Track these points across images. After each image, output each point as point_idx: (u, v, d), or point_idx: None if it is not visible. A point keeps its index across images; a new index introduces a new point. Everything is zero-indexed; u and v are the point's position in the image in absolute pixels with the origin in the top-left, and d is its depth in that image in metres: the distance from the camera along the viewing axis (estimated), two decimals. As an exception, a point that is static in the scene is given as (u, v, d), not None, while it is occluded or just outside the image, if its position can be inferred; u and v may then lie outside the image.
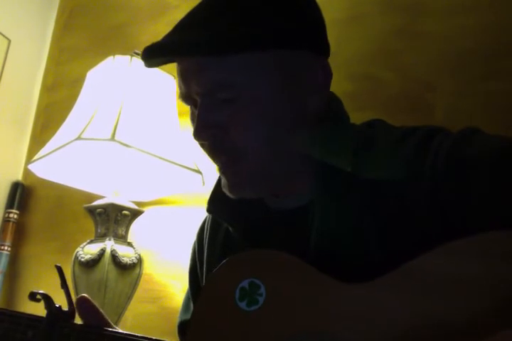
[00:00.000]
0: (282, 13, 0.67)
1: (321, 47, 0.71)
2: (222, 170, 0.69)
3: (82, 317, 0.70)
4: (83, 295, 0.70)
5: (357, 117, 0.76)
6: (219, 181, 0.76)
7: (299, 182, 0.71)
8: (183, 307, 0.87)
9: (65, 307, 0.70)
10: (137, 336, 0.65)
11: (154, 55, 0.68)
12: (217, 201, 0.76)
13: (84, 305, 0.69)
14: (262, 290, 0.62)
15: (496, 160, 0.57)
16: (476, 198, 0.56)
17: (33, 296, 0.70)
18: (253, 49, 0.64)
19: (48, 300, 0.70)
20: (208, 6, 0.69)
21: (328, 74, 0.71)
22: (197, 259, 0.84)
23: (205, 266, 0.80)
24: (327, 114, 0.71)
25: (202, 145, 0.70)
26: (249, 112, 0.65)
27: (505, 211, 0.54)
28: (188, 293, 0.88)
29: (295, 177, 0.71)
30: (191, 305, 0.85)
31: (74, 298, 0.71)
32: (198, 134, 0.66)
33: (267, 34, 0.65)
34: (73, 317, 0.70)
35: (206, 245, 0.81)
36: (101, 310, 0.70)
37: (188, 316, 0.84)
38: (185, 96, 0.69)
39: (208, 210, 0.77)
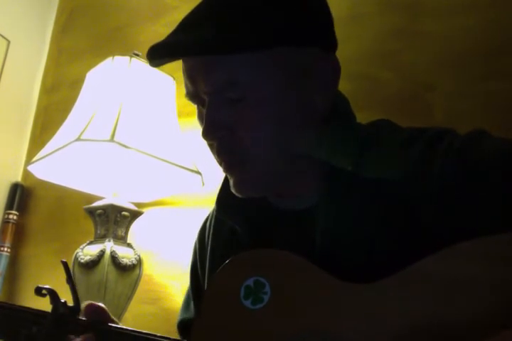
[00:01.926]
0: (287, 9, 0.65)
1: (329, 43, 0.70)
2: (230, 170, 0.68)
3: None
4: (99, 305, 0.69)
5: (356, 117, 0.75)
6: (225, 182, 0.76)
7: (304, 183, 0.71)
8: (183, 305, 0.87)
9: (70, 303, 0.70)
10: (142, 332, 0.65)
11: (162, 55, 0.67)
12: (224, 202, 0.76)
13: (94, 312, 0.69)
14: (267, 288, 0.62)
15: (508, 163, 0.56)
16: (487, 200, 0.56)
17: (39, 291, 0.70)
18: (260, 47, 0.63)
19: (53, 295, 0.70)
20: (212, 4, 0.67)
21: (337, 70, 0.70)
22: (198, 258, 0.84)
23: (207, 264, 0.80)
24: (334, 113, 0.70)
25: (210, 146, 0.69)
26: (256, 113, 0.65)
27: None
28: (188, 291, 0.87)
29: (301, 177, 0.71)
30: (192, 304, 0.85)
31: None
32: (206, 135, 0.66)
33: (273, 32, 0.64)
34: (78, 312, 0.70)
35: (209, 243, 0.80)
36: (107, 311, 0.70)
37: (188, 315, 0.84)
38: (193, 95, 0.68)
39: (217, 212, 0.77)
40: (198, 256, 0.84)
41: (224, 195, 0.76)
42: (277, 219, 0.73)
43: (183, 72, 0.68)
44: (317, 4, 0.69)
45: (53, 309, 0.69)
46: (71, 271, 1.25)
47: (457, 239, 0.53)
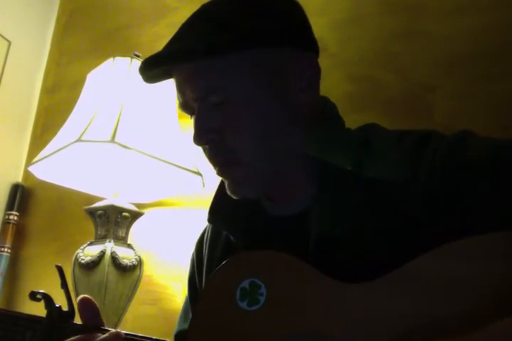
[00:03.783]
0: (253, 15, 0.69)
1: (301, 43, 0.72)
2: (223, 171, 0.70)
3: (82, 318, 0.69)
4: (86, 296, 0.69)
5: (357, 118, 0.76)
6: (219, 190, 0.77)
7: (297, 185, 0.72)
8: (181, 317, 0.87)
9: (65, 308, 0.70)
10: (137, 336, 0.65)
11: (150, 67, 0.72)
12: (217, 211, 0.77)
13: (87, 307, 0.69)
14: (263, 289, 0.62)
15: (495, 162, 0.57)
16: (477, 199, 0.57)
17: (33, 296, 0.70)
18: (228, 51, 0.67)
19: (48, 299, 0.70)
20: (192, 19, 0.73)
21: (315, 71, 0.72)
22: (195, 269, 0.85)
23: (204, 276, 0.81)
24: (322, 116, 0.72)
25: (204, 150, 0.72)
26: (239, 113, 0.68)
27: (506, 212, 0.54)
28: (186, 303, 0.87)
29: (294, 178, 0.72)
30: (190, 315, 0.84)
31: (74, 300, 0.70)
32: (196, 139, 0.69)
33: (239, 36, 0.67)
34: (73, 317, 0.70)
35: (206, 256, 0.81)
36: (100, 313, 0.70)
37: (186, 326, 0.84)
38: (184, 105, 0.73)
39: (209, 220, 0.78)
40: (195, 268, 0.85)
41: (217, 204, 0.77)
42: (272, 226, 0.74)
43: (175, 86, 0.73)
44: (282, 8, 0.72)
45: (48, 314, 0.69)
46: (74, 275, 1.26)
47: (449, 238, 0.53)
